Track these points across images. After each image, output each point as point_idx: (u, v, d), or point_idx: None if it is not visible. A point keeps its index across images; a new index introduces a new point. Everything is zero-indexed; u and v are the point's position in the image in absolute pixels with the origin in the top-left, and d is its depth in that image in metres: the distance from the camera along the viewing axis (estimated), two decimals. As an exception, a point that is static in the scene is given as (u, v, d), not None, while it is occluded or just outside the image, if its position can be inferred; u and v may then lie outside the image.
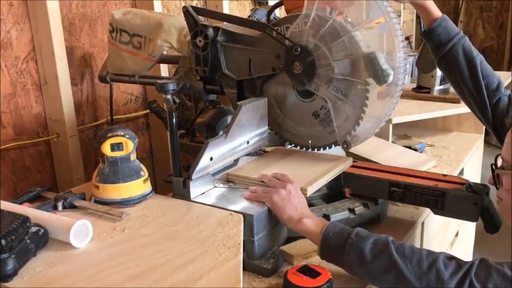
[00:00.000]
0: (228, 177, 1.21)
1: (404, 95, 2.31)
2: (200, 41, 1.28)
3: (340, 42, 1.12)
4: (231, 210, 1.04)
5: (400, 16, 3.26)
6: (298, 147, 1.33)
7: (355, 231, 0.95)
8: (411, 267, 0.87)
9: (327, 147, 1.28)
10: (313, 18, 1.14)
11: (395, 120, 1.74)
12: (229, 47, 1.29)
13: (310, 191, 1.12)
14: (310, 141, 1.28)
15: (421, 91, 2.29)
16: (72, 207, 1.13)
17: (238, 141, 1.23)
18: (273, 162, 1.27)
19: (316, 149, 1.29)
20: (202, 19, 1.32)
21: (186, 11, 1.28)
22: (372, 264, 0.91)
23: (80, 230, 0.96)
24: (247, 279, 0.99)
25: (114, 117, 1.64)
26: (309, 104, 1.25)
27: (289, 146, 1.47)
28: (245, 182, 1.18)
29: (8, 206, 1.03)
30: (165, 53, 1.43)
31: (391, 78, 1.10)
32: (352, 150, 1.39)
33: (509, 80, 2.33)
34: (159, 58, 1.41)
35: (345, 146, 1.20)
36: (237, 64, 1.29)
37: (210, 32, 1.27)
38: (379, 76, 1.10)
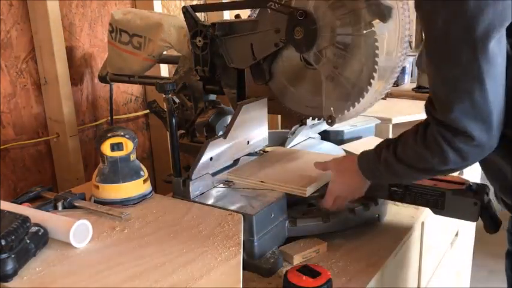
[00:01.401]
0: (228, 177, 1.21)
1: (404, 95, 2.32)
2: (200, 41, 1.28)
3: (347, 14, 1.09)
4: (231, 210, 1.04)
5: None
6: (322, 119, 1.26)
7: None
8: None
9: (351, 109, 1.18)
10: None
11: (395, 120, 1.74)
12: (229, 39, 1.28)
13: (309, 191, 1.12)
14: (332, 109, 1.19)
15: (421, 91, 2.30)
16: (72, 207, 1.13)
17: (238, 141, 1.23)
18: (273, 162, 1.27)
19: (340, 115, 1.20)
20: (202, 19, 1.31)
21: (185, 11, 1.28)
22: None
23: (80, 230, 0.96)
24: (247, 279, 0.99)
25: (114, 117, 1.64)
26: (319, 70, 1.19)
27: (289, 146, 1.47)
28: (245, 182, 1.18)
29: (8, 206, 1.03)
30: (165, 53, 1.43)
31: (394, 12, 1.08)
32: (353, 150, 1.40)
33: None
34: (158, 58, 1.41)
35: (329, 121, 1.17)
36: (240, 53, 1.27)
37: (209, 31, 1.26)
38: (383, 12, 1.07)
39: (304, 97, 1.28)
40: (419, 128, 0.95)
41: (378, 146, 1.05)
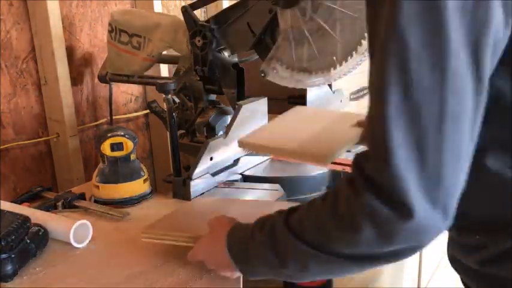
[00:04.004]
0: (239, 144, 1.05)
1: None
2: (199, 41, 1.27)
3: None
4: (231, 210, 1.04)
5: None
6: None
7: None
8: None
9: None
10: None
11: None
12: (226, 28, 1.26)
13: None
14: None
15: (421, 91, 2.29)
16: (72, 207, 1.13)
17: (239, 141, 1.23)
18: (295, 126, 1.07)
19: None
20: (202, 16, 1.30)
21: (184, 11, 1.28)
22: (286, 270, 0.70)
23: (80, 230, 0.96)
24: (247, 279, 0.99)
25: (114, 117, 1.64)
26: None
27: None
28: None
29: (8, 206, 1.03)
30: (165, 52, 1.43)
31: None
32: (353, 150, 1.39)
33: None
34: (158, 58, 1.41)
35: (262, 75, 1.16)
36: (240, 37, 1.25)
37: (208, 31, 1.25)
38: None
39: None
40: (328, 193, 0.67)
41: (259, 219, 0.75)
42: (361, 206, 0.59)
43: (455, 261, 0.77)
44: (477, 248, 0.69)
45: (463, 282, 0.80)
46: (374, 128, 0.59)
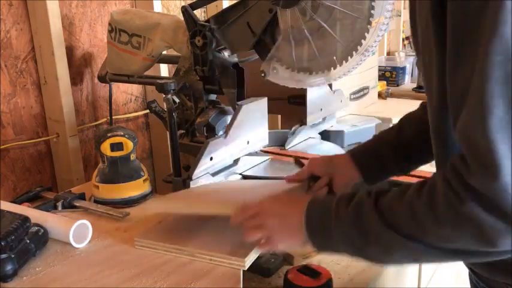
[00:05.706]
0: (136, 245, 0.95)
1: (405, 95, 2.32)
2: (199, 41, 1.27)
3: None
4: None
5: (400, 16, 3.26)
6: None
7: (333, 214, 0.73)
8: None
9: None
10: None
11: (395, 120, 1.74)
12: (226, 27, 1.26)
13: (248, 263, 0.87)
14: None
15: (422, 91, 2.30)
16: (72, 207, 1.13)
17: (238, 141, 1.23)
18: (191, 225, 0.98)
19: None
20: (202, 16, 1.30)
21: (184, 10, 1.28)
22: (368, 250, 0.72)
23: (80, 230, 0.96)
24: (247, 279, 0.99)
25: (114, 117, 1.64)
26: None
27: (290, 146, 1.46)
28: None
29: (8, 206, 1.03)
30: (165, 52, 1.43)
31: None
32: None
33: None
34: (158, 58, 1.41)
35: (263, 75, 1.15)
36: (240, 36, 1.25)
37: (208, 31, 1.25)
38: None
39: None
40: (423, 188, 0.67)
41: (340, 197, 0.75)
42: (465, 213, 0.60)
43: None
44: None
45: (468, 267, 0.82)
46: (475, 139, 0.59)
